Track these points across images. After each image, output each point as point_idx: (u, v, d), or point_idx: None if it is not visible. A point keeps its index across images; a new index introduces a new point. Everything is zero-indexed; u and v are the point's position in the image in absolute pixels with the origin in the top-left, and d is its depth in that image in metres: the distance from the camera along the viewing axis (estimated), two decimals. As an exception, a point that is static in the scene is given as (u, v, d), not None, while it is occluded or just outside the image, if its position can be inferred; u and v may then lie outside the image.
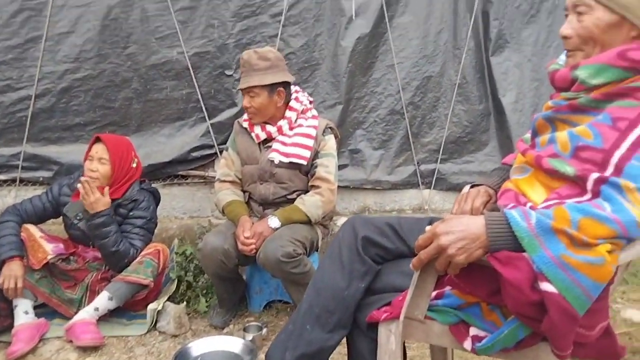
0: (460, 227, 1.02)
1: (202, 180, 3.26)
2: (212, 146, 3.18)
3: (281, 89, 2.27)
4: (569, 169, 1.09)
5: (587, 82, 1.13)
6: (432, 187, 3.42)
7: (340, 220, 3.16)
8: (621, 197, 0.99)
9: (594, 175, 1.04)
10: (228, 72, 3.14)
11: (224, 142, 3.14)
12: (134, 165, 2.48)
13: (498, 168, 1.46)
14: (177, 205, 3.28)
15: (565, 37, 1.18)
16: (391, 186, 3.35)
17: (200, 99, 3.13)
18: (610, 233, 0.97)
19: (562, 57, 1.27)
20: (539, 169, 1.16)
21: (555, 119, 1.20)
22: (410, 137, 3.31)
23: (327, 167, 2.26)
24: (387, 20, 3.21)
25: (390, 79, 3.28)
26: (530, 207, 1.09)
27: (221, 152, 3.13)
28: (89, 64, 3.02)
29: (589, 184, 1.05)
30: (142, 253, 2.34)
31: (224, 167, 2.44)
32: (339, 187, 2.43)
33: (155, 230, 2.57)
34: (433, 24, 3.29)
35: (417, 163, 3.36)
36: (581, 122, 1.14)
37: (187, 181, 3.27)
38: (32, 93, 2.99)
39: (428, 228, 1.06)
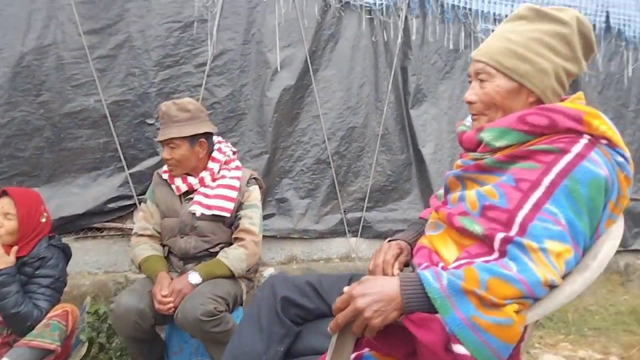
0: (375, 289, 1.02)
1: (119, 233, 3.09)
2: (130, 197, 3.04)
3: (203, 140, 2.23)
4: (478, 227, 1.13)
5: (491, 144, 1.19)
6: (358, 235, 3.45)
7: (267, 271, 3.10)
8: (526, 257, 1.03)
9: (500, 235, 1.08)
10: (149, 121, 3.05)
11: (144, 193, 3.01)
12: (43, 220, 2.30)
13: (415, 222, 1.49)
14: (90, 259, 3.07)
15: (469, 102, 1.25)
16: (318, 235, 3.35)
17: (119, 148, 3.00)
18: (516, 293, 0.99)
19: (469, 119, 1.34)
20: (451, 226, 1.20)
21: (464, 177, 1.25)
22: (336, 185, 3.35)
23: (251, 218, 2.21)
24: (311, 73, 3.29)
25: (316, 129, 3.34)
26: (442, 267, 1.11)
27: (140, 203, 3.01)
28: (-2, 112, 2.83)
29: (496, 244, 1.09)
30: (49, 315, 2.14)
31: (142, 220, 2.33)
32: (265, 236, 2.39)
33: (66, 288, 2.37)
34: (355, 77, 3.41)
35: (344, 211, 3.39)
36: (488, 181, 1.19)
37: (103, 234, 3.09)
38: None
39: (346, 289, 1.05)
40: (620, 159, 1.15)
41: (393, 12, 3.46)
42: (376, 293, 1.01)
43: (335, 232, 3.40)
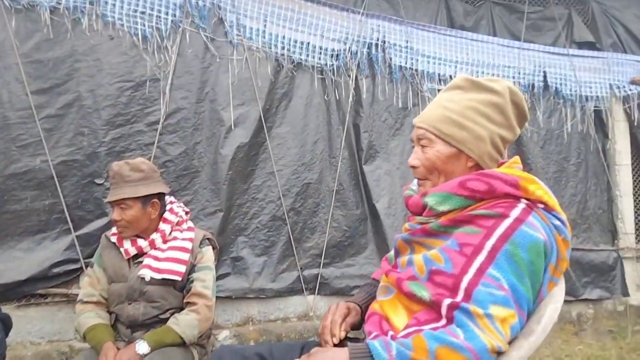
0: None
1: (64, 299, 2.94)
2: (77, 260, 2.92)
3: (155, 200, 2.17)
4: (425, 293, 1.14)
5: (435, 209, 1.23)
6: (316, 293, 3.40)
7: (222, 335, 2.99)
8: (472, 323, 1.05)
9: (447, 301, 1.10)
10: (98, 181, 2.99)
11: (91, 256, 2.89)
12: (-21, 289, 2.16)
13: (367, 284, 1.49)
14: (33, 328, 2.89)
15: (413, 167, 1.30)
16: (275, 294, 3.28)
17: (65, 209, 2.90)
18: None
19: (415, 182, 1.38)
20: (400, 291, 1.20)
21: (412, 241, 1.27)
22: (292, 242, 3.33)
23: (204, 281, 2.14)
24: (265, 130, 3.33)
25: (271, 186, 3.34)
26: (392, 336, 1.10)
27: (87, 266, 2.88)
28: None
29: (443, 310, 1.10)
30: (-19, 395, 1.98)
31: (88, 286, 2.20)
32: (220, 297, 2.32)
33: (4, 362, 2.22)
34: (309, 134, 3.47)
35: (301, 268, 3.35)
36: (434, 245, 1.21)
37: (47, 300, 2.93)
38: None
39: None
40: (557, 222, 1.20)
41: (344, 72, 3.59)
42: None
43: (292, 290, 3.34)
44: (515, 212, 1.14)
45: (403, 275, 1.21)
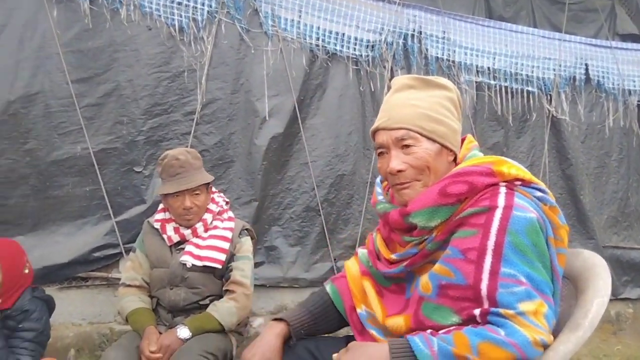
0: (364, 357, 1.00)
1: (104, 283, 3.01)
2: (116, 245, 2.98)
3: (210, 188, 2.26)
4: (455, 318, 1.11)
5: (427, 227, 1.19)
6: (348, 284, 3.40)
7: (256, 322, 3.02)
8: (510, 322, 1.03)
9: (477, 311, 1.08)
10: (137, 169, 3.04)
11: (130, 241, 2.96)
12: (26, 271, 2.23)
13: (315, 295, 1.54)
14: (74, 310, 2.97)
15: (399, 171, 1.21)
16: (308, 284, 3.29)
17: (105, 196, 2.96)
18: (508, 356, 0.99)
19: (379, 190, 1.35)
20: (421, 328, 1.17)
21: (414, 270, 1.25)
22: (326, 233, 3.33)
23: (243, 270, 2.17)
24: (299, 121, 3.33)
25: (305, 177, 3.34)
26: (431, 333, 1.09)
27: (127, 251, 2.95)
28: (-18, 160, 2.79)
29: (478, 319, 1.08)
30: (31, 371, 2.05)
31: (130, 270, 2.26)
32: (255, 286, 2.33)
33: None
34: (344, 125, 3.46)
35: (334, 259, 3.36)
36: (436, 258, 1.18)
37: (88, 284, 3.00)
38: None
39: (335, 357, 1.03)
40: (539, 194, 1.18)
41: (379, 64, 3.56)
42: None
43: (325, 281, 3.34)
44: (501, 200, 1.12)
45: (413, 310, 1.19)
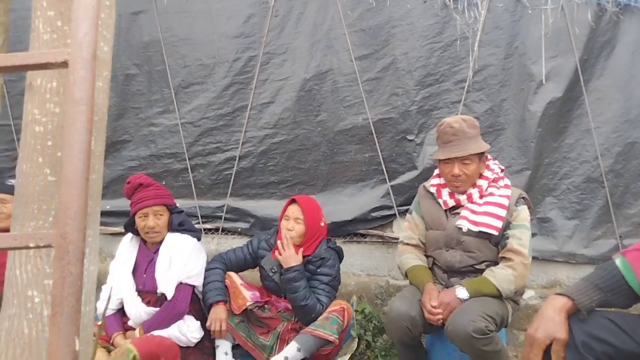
0: None
1: (379, 240, 3.33)
2: (391, 207, 3.25)
3: (486, 156, 2.26)
4: None
5: None
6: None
7: (527, 294, 2.94)
8: None
9: None
10: (410, 137, 3.22)
11: (403, 204, 3.20)
12: (322, 224, 2.64)
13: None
14: (355, 262, 3.38)
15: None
16: (587, 260, 3.02)
17: (382, 162, 3.24)
18: None
19: None
20: None
21: None
22: (611, 207, 2.99)
23: (521, 239, 2.13)
24: (582, 84, 3.02)
25: (587, 145, 3.04)
26: None
27: (400, 213, 3.19)
28: (285, 130, 3.35)
29: None
30: (328, 309, 2.44)
31: (408, 230, 2.45)
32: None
33: (337, 286, 2.66)
34: (635, 87, 3.00)
35: (620, 237, 3.00)
36: None
37: (366, 240, 3.37)
38: (236, 154, 3.42)
39: None
40: None
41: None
42: None
43: (608, 259, 3.01)
44: None
45: None
